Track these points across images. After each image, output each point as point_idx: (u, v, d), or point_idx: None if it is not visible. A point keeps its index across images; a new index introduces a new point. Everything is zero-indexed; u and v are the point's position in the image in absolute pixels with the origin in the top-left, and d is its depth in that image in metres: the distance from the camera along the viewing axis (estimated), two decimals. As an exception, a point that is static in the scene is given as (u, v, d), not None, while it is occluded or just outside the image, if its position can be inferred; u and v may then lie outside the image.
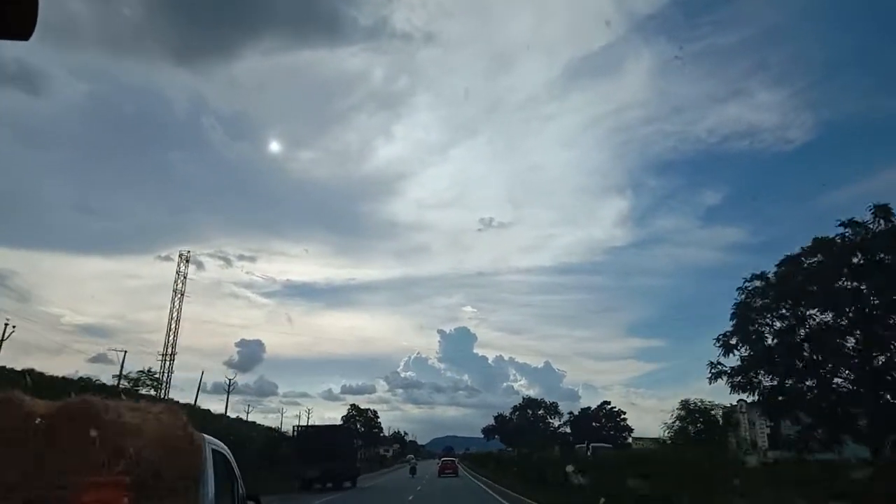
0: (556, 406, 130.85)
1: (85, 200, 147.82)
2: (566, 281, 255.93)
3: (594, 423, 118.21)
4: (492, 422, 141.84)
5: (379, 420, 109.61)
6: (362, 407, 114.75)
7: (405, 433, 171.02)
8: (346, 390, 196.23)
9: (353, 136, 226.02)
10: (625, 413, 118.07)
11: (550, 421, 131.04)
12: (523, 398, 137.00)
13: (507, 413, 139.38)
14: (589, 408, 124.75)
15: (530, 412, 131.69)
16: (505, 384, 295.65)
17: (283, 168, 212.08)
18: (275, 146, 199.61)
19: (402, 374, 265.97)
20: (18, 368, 32.99)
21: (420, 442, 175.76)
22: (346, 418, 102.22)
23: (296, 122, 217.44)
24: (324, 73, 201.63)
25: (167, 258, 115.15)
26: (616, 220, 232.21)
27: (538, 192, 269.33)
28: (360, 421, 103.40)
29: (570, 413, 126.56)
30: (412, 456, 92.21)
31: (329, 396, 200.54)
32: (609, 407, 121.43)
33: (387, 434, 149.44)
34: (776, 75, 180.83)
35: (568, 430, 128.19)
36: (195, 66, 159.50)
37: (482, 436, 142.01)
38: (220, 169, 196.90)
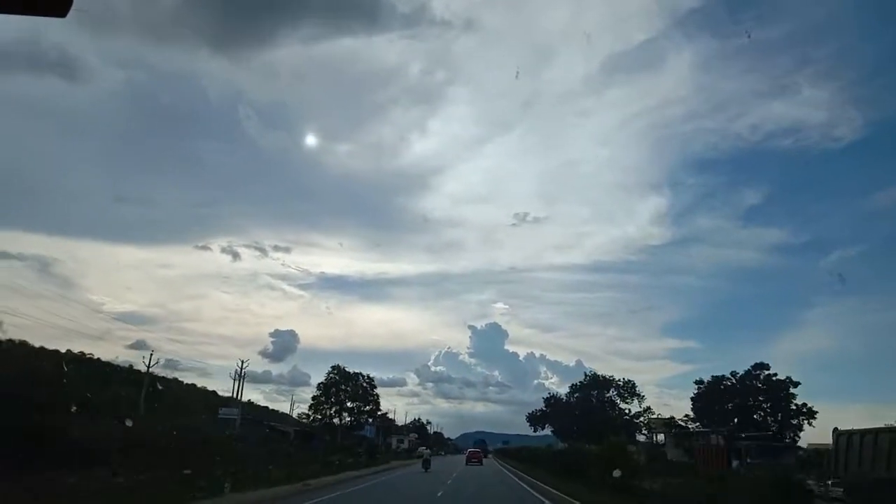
0: (633, 386, 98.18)
1: (123, 189, 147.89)
2: (600, 279, 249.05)
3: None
4: (538, 406, 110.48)
5: (376, 393, 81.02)
6: (395, 401, 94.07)
7: (428, 422, 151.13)
8: (378, 383, 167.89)
9: (388, 130, 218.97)
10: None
11: (624, 405, 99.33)
12: (585, 374, 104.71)
13: (562, 394, 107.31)
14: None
15: (594, 393, 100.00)
16: (536, 381, 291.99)
17: (319, 160, 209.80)
18: (310, 137, 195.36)
19: (433, 369, 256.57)
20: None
21: (450, 436, 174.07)
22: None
23: (332, 114, 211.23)
24: (361, 66, 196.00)
25: (204, 247, 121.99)
26: (653, 218, 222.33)
27: (573, 189, 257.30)
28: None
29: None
30: (426, 448, 66.08)
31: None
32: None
33: (406, 422, 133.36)
34: (823, 70, 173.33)
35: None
36: (233, 54, 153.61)
37: (525, 427, 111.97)
38: (256, 159, 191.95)
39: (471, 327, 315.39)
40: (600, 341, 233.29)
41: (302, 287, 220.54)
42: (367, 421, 78.72)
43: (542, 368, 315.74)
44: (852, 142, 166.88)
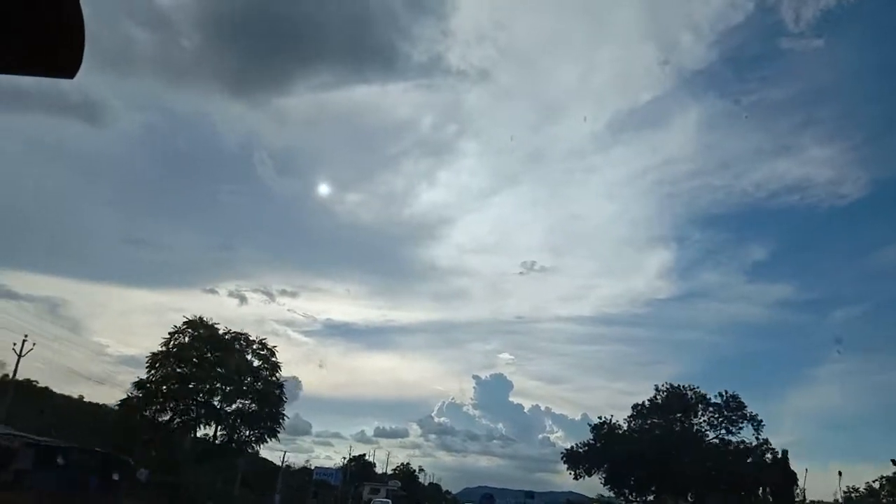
0: (738, 400, 59.62)
1: (135, 232, 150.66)
2: (607, 332, 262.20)
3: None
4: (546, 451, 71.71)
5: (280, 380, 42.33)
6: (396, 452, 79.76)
7: (420, 469, 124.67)
8: (380, 433, 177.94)
9: (398, 180, 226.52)
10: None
11: (726, 435, 61.42)
12: (657, 390, 66.66)
13: (619, 422, 68.75)
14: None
15: (677, 417, 61.91)
16: (541, 435, 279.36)
17: (329, 208, 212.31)
18: (321, 185, 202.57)
19: (436, 420, 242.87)
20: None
21: (450, 490, 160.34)
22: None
23: (343, 163, 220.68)
24: (373, 116, 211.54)
25: (212, 291, 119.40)
26: (659, 272, 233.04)
27: (580, 242, 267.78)
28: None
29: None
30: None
31: (362, 438, 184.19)
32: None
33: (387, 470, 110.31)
34: (828, 130, 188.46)
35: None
36: (249, 98, 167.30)
37: (532, 482, 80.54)
38: (267, 204, 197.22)
39: (475, 377, 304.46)
40: (606, 395, 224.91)
41: (307, 333, 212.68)
42: (260, 435, 41.08)
43: (548, 422, 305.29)
44: (858, 199, 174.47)
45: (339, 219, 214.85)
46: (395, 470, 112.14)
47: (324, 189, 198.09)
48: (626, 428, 68.31)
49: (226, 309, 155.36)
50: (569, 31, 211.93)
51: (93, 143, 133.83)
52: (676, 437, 60.82)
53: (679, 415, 64.68)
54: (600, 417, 69.12)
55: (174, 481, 30.24)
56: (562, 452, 71.56)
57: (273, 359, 40.48)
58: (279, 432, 40.98)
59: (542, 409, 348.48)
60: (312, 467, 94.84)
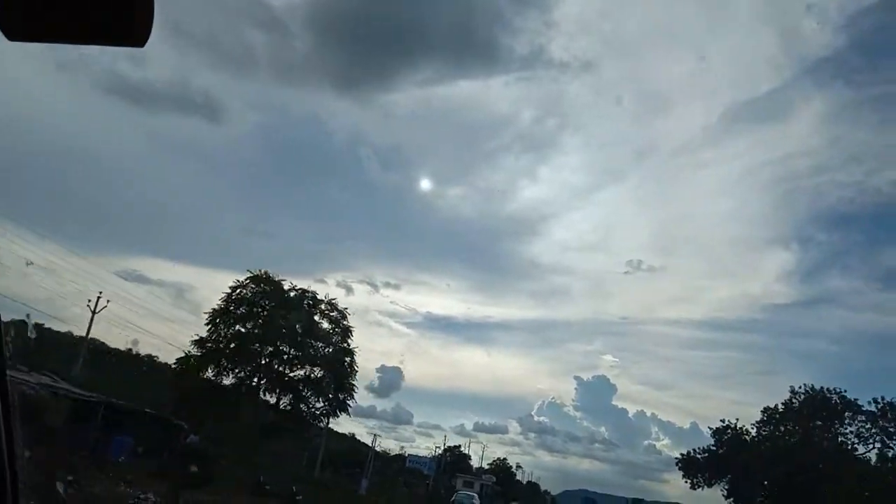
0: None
1: (252, 224, 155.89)
2: (719, 337, 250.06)
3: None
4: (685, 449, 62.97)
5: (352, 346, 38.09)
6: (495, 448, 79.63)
7: (518, 466, 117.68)
8: (479, 427, 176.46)
9: (499, 176, 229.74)
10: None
11: (856, 443, 51.39)
12: (793, 391, 57.15)
13: (748, 428, 59.63)
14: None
15: (816, 426, 52.35)
16: (646, 442, 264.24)
17: (431, 202, 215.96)
18: (423, 180, 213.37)
19: (536, 419, 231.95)
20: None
21: (552, 491, 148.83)
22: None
23: (445, 158, 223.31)
24: (475, 112, 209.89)
25: (321, 280, 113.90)
26: (778, 275, 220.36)
27: (690, 241, 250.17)
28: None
29: None
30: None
31: (461, 432, 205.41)
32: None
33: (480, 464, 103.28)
34: None
35: None
36: (355, 95, 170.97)
37: (635, 489, 75.04)
38: (372, 198, 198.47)
39: (576, 378, 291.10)
40: (717, 403, 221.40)
41: (409, 325, 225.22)
42: (332, 408, 37.03)
43: (654, 428, 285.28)
44: None
45: (441, 213, 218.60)
46: (490, 464, 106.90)
47: (426, 184, 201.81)
48: (754, 434, 59.23)
49: (335, 298, 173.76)
50: (678, 19, 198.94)
51: (214, 140, 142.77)
52: (820, 449, 51.23)
53: (819, 423, 54.76)
54: (723, 421, 60.11)
55: (241, 454, 27.38)
56: (676, 458, 63.31)
57: (344, 322, 35.98)
58: (350, 406, 37.17)
59: (648, 414, 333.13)
60: (406, 454, 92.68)
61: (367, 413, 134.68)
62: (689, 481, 61.29)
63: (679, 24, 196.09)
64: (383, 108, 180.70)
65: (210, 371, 32.07)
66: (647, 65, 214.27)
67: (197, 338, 32.42)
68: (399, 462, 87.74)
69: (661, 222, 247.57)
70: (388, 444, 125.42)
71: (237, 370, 32.73)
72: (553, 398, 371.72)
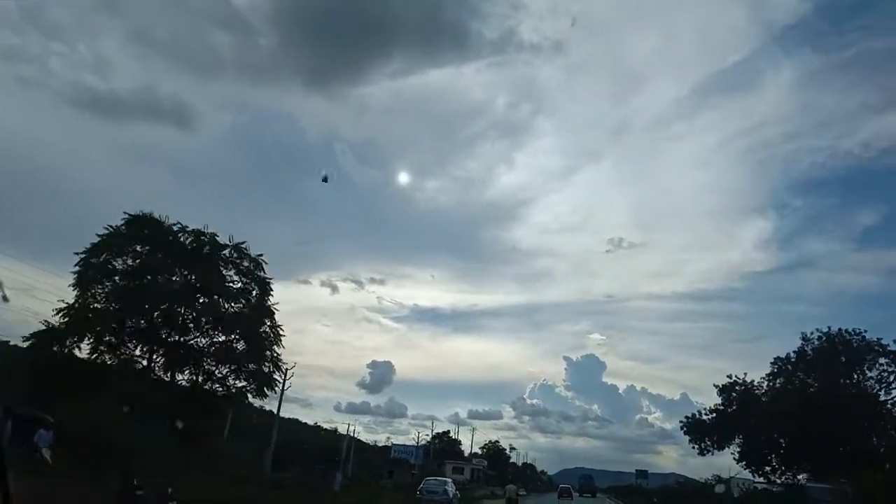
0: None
1: (229, 229, 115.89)
2: (702, 308, 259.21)
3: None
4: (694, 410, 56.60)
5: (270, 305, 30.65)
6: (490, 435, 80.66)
7: (511, 448, 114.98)
8: (473, 415, 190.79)
9: (476, 164, 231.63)
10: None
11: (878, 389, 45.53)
12: (805, 337, 50.93)
13: (759, 382, 53.17)
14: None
15: (808, 371, 46.09)
16: (638, 416, 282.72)
17: (410, 195, 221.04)
18: (401, 173, 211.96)
19: (529, 402, 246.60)
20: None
21: (545, 470, 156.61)
22: None
23: (421, 150, 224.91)
24: (448, 101, 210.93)
25: (305, 282, 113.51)
26: (757, 243, 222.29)
27: (669, 215, 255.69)
28: None
29: None
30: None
31: (456, 420, 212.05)
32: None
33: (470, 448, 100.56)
34: None
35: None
36: (327, 91, 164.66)
37: (631, 463, 78.34)
38: (350, 195, 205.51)
39: (566, 359, 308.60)
40: (705, 373, 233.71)
41: (396, 319, 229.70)
42: (253, 381, 29.22)
43: (644, 402, 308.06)
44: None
45: (421, 205, 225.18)
46: (483, 448, 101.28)
47: (403, 177, 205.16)
48: (765, 388, 52.85)
49: (319, 299, 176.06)
50: None
51: (185, 145, 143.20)
52: (847, 397, 44.84)
53: (840, 368, 48.40)
54: (729, 377, 53.43)
55: (108, 444, 20.33)
56: (681, 421, 56.71)
57: (260, 273, 28.42)
58: (276, 382, 29.76)
59: (638, 389, 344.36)
60: (391, 444, 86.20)
61: (361, 409, 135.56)
62: (696, 446, 54.78)
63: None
64: (356, 102, 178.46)
65: (86, 347, 24.66)
66: (616, 42, 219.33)
67: (64, 305, 24.82)
68: (385, 453, 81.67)
69: (640, 199, 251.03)
70: (382, 437, 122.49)
71: (112, 340, 25.25)
72: (544, 380, 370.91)
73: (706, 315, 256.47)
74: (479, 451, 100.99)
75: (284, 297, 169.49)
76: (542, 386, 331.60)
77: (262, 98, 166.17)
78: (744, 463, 53.57)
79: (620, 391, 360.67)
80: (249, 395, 28.11)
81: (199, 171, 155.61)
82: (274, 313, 28.65)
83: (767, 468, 52.84)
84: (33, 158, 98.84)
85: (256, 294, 28.25)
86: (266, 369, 28.04)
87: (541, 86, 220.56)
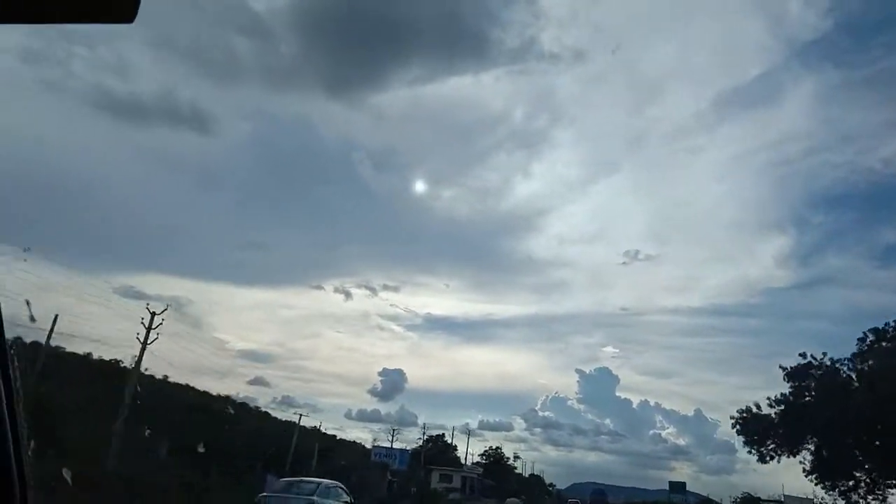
0: None
1: (246, 235, 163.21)
2: (719, 323, 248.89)
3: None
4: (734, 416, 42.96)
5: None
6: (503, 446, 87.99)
7: (516, 456, 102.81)
8: (484, 426, 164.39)
9: (492, 174, 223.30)
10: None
11: None
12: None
13: (838, 364, 39.43)
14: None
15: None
16: (651, 431, 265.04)
17: (426, 203, 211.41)
18: (418, 181, 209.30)
19: (541, 414, 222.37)
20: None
21: (553, 483, 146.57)
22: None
23: (438, 159, 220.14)
24: (466, 110, 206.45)
25: (318, 287, 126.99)
26: (776, 259, 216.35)
27: (687, 229, 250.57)
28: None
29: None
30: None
31: (465, 431, 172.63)
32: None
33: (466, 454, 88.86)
34: None
35: None
36: (346, 98, 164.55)
37: (646, 480, 69.66)
38: (367, 202, 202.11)
39: (579, 371, 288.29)
40: (721, 389, 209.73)
41: (409, 328, 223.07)
42: None
43: (658, 418, 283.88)
44: None
45: (437, 214, 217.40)
46: (482, 455, 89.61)
47: (420, 185, 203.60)
48: (844, 376, 39.16)
49: (332, 305, 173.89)
50: (667, 4, 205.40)
51: (205, 152, 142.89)
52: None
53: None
54: (802, 355, 39.83)
55: None
56: (734, 416, 42.95)
57: None
58: None
59: (652, 404, 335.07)
60: (372, 446, 74.50)
61: (372, 417, 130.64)
62: (753, 451, 41.33)
63: (667, 8, 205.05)
64: (374, 109, 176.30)
65: None
66: (637, 53, 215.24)
67: None
68: (367, 457, 69.23)
69: (657, 211, 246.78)
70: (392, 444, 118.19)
71: None
72: (556, 392, 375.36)
73: (723, 330, 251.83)
74: (480, 459, 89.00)
75: (297, 302, 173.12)
76: (554, 398, 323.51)
77: (282, 104, 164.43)
78: (815, 476, 40.19)
79: (634, 405, 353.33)
80: None
81: (218, 176, 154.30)
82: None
83: (850, 482, 39.35)
84: (54, 160, 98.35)
85: None
86: None
87: (559, 95, 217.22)
